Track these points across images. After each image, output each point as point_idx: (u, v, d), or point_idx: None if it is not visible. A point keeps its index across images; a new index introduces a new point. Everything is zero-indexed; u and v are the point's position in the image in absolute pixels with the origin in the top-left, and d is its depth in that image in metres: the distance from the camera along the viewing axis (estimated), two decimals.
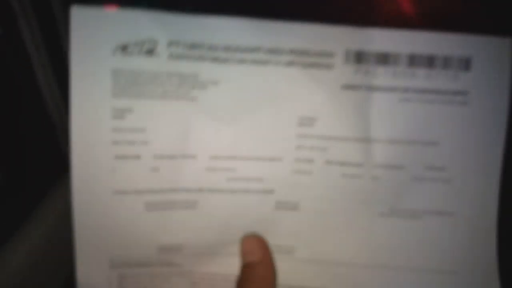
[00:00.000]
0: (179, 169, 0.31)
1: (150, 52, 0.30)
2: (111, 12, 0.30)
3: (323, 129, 0.31)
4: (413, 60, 0.31)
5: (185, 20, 0.30)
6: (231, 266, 0.32)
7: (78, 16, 0.29)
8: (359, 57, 0.31)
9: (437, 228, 0.32)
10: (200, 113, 0.31)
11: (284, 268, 0.33)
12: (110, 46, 0.29)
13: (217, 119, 0.31)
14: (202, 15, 0.30)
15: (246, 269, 0.32)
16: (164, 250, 0.33)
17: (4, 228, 0.36)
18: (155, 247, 0.33)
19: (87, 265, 0.33)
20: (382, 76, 0.31)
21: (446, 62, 0.31)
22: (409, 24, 0.32)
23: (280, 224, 0.33)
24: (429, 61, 0.31)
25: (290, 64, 0.31)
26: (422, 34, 0.31)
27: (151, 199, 0.32)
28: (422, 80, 0.31)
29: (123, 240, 0.33)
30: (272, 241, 0.33)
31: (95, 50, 0.29)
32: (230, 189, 0.32)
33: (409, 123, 0.31)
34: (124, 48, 0.29)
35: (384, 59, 0.31)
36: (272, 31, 0.30)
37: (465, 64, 0.31)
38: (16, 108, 0.39)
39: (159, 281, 0.34)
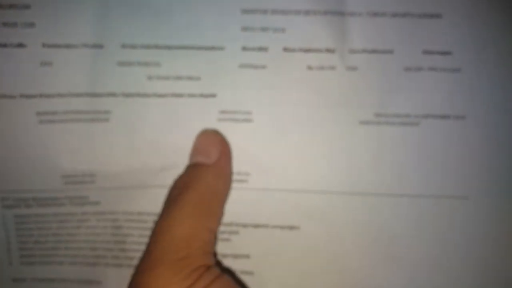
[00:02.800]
0: (79, 64, 0.22)
1: None
2: None
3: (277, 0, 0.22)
4: None
5: None
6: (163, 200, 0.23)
7: None
8: None
9: (441, 138, 0.23)
10: None
11: (235, 200, 0.24)
12: None
13: None
14: None
15: (191, 170, 0.23)
16: (72, 180, 0.24)
17: None
18: (58, 176, 0.24)
19: None
20: None
21: None
22: None
23: None
24: None
25: None
26: None
27: (45, 107, 0.23)
28: None
29: (14, 168, 0.24)
30: None
31: None
32: (154, 93, 0.23)
33: None
34: None
35: None
36: None
37: None
38: None
39: (71, 224, 0.26)
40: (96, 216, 0.26)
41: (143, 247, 0.25)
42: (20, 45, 0.22)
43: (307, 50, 0.23)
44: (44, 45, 0.22)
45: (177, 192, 0.22)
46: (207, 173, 0.22)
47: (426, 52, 0.22)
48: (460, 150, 0.23)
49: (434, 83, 0.23)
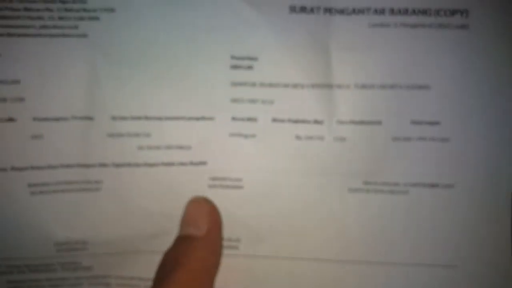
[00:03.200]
0: (70, 136, 0.22)
1: None
2: None
3: (266, 72, 0.22)
4: None
5: None
6: (155, 265, 0.23)
7: None
8: None
9: (430, 206, 0.23)
10: (93, 56, 0.22)
11: (225, 267, 0.24)
12: None
13: (117, 63, 0.22)
14: None
15: (180, 243, 0.22)
16: (64, 247, 0.24)
17: None
18: (51, 244, 0.24)
19: None
20: None
21: None
22: None
23: None
24: None
25: None
26: None
27: (36, 178, 0.23)
28: None
29: (8, 237, 0.24)
30: None
31: None
32: (144, 162, 0.23)
33: (386, 58, 0.22)
34: None
35: None
36: None
37: None
38: None
39: None
40: (89, 281, 0.26)
41: None
42: (10, 120, 0.22)
43: (296, 121, 0.23)
44: (34, 118, 0.22)
45: (167, 269, 0.21)
46: (197, 247, 0.22)
47: (415, 122, 0.22)
48: (448, 218, 0.23)
49: (423, 152, 0.23)
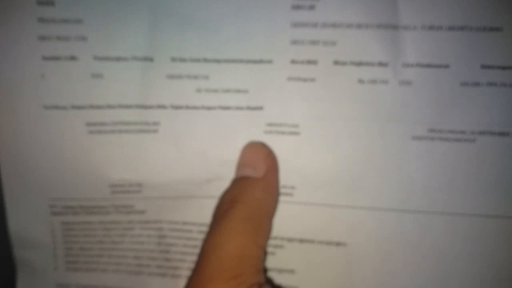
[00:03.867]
0: (129, 77, 0.22)
1: None
2: None
3: (328, 12, 0.21)
4: None
5: None
6: (211, 212, 0.23)
7: None
8: None
9: (498, 156, 0.22)
10: None
11: (280, 214, 0.24)
12: None
13: (177, 4, 0.22)
14: None
15: (238, 183, 0.23)
16: (119, 189, 0.24)
17: None
18: (106, 186, 0.24)
19: (21, 212, 0.25)
20: None
21: None
22: None
23: None
24: None
25: None
26: None
27: (95, 117, 0.23)
28: None
29: (63, 177, 0.24)
30: None
31: None
32: (202, 105, 0.23)
33: None
34: None
35: None
36: None
37: None
38: None
39: (116, 232, 0.26)
40: (141, 225, 0.26)
41: (187, 257, 0.25)
42: (72, 58, 0.22)
43: (359, 64, 0.22)
44: (95, 57, 0.22)
45: (226, 207, 0.21)
46: (255, 187, 0.22)
47: (485, 66, 0.21)
48: None
49: (493, 98, 0.22)
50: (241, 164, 0.23)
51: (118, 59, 0.22)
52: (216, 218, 0.22)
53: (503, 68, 0.21)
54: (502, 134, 0.22)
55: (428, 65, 0.22)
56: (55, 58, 0.22)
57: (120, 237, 0.26)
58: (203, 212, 0.24)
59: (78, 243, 0.26)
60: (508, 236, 0.23)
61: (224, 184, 0.23)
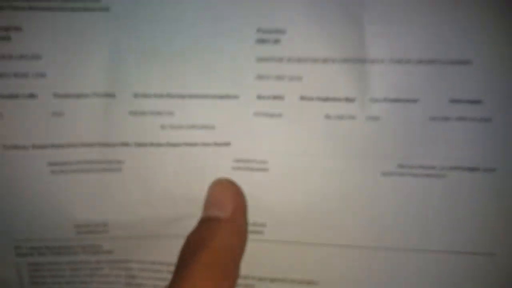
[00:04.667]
0: (91, 114, 0.22)
1: None
2: None
3: (294, 46, 0.21)
4: None
5: None
6: (177, 250, 0.22)
7: None
8: None
9: (469, 191, 0.22)
10: (116, 30, 0.21)
11: (251, 252, 0.23)
12: None
13: (140, 39, 0.21)
14: None
15: (205, 225, 0.22)
16: (84, 230, 0.24)
17: None
18: (71, 226, 0.24)
19: None
20: None
21: None
22: None
23: None
24: None
25: None
26: None
27: (57, 157, 0.23)
28: None
29: (27, 217, 0.24)
30: None
31: None
32: (167, 142, 0.22)
33: (423, 32, 0.20)
34: None
35: None
36: None
37: None
38: None
39: (84, 272, 0.25)
40: (109, 265, 0.25)
41: None
42: (31, 96, 0.22)
43: (325, 99, 0.21)
44: (55, 95, 0.22)
45: (190, 252, 0.21)
46: (221, 229, 0.21)
47: (454, 100, 0.21)
48: (488, 205, 0.22)
49: (463, 133, 0.21)
50: (207, 204, 0.22)
51: (79, 96, 0.22)
52: (180, 264, 0.21)
53: (472, 102, 0.21)
54: (472, 169, 0.22)
55: (396, 100, 0.21)
56: (13, 96, 0.22)
57: (89, 277, 0.25)
58: (172, 252, 0.23)
59: (46, 284, 0.26)
60: (481, 272, 0.22)
61: (192, 222, 0.23)
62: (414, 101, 0.21)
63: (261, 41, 0.21)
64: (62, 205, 0.24)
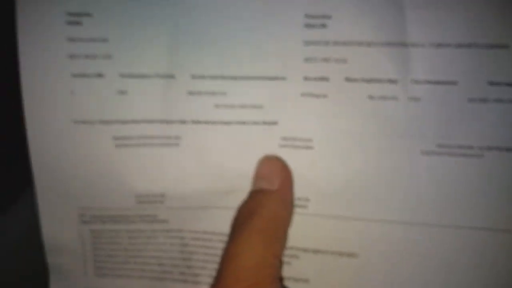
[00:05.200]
0: (152, 93, 0.24)
1: None
2: None
3: (340, 31, 0.22)
4: None
5: None
6: (229, 222, 0.24)
7: None
8: None
9: (506, 171, 0.23)
10: (176, 16, 0.24)
11: (295, 225, 0.25)
12: None
13: (197, 24, 0.23)
14: None
15: (255, 196, 0.24)
16: (143, 200, 0.26)
17: None
18: (131, 196, 0.26)
19: (53, 220, 0.27)
20: None
21: None
22: None
23: None
24: None
25: None
26: None
27: (121, 132, 0.25)
28: None
29: (91, 187, 0.26)
30: None
31: None
32: (220, 120, 0.24)
33: (463, 17, 0.22)
34: None
35: None
36: None
37: None
38: None
39: (141, 240, 0.27)
40: (164, 234, 0.27)
41: (208, 265, 0.27)
42: (99, 75, 0.24)
43: (369, 81, 0.23)
44: (121, 75, 0.24)
45: (243, 220, 0.22)
46: (270, 200, 0.23)
47: (492, 83, 0.22)
48: None
49: (500, 115, 0.22)
50: (257, 177, 0.24)
51: (142, 76, 0.24)
52: (234, 229, 0.23)
53: (510, 84, 0.22)
54: (509, 149, 0.22)
55: (437, 82, 0.22)
56: (84, 75, 0.24)
57: (144, 245, 0.27)
58: (222, 222, 0.25)
59: (105, 250, 0.28)
60: None
61: (241, 195, 0.24)
62: (454, 83, 0.22)
63: (309, 25, 0.23)
64: (124, 176, 0.26)
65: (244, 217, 0.23)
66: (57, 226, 0.27)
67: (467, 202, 0.23)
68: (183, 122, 0.24)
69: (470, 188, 0.23)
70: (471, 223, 0.23)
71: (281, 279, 0.25)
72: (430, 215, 0.24)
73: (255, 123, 0.24)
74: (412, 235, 0.24)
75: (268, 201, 0.23)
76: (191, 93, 0.24)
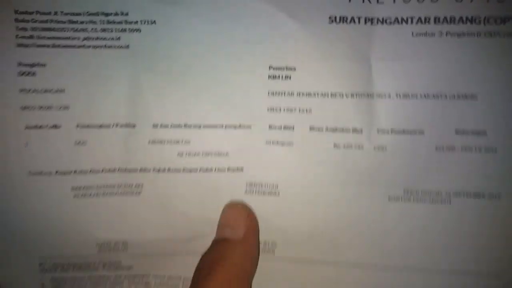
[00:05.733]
0: (112, 142, 0.23)
1: None
2: None
3: (304, 82, 0.22)
4: None
5: None
6: (193, 266, 0.23)
7: None
8: None
9: (474, 217, 0.23)
10: (135, 66, 0.23)
11: (262, 271, 0.24)
12: None
13: (158, 74, 0.22)
14: None
15: (218, 245, 0.23)
16: (105, 248, 0.25)
17: None
18: (93, 245, 0.25)
19: (12, 269, 0.26)
20: (388, 3, 0.21)
21: None
22: None
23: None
24: None
25: None
26: None
27: (80, 182, 0.24)
28: (448, 5, 0.20)
29: (52, 237, 0.25)
30: None
31: None
32: (184, 168, 0.23)
33: (430, 68, 0.21)
34: None
35: None
36: None
37: None
38: None
39: (104, 287, 0.26)
40: (129, 279, 0.26)
41: None
42: (55, 126, 0.23)
43: (334, 130, 0.22)
44: (78, 125, 0.23)
45: (206, 271, 0.22)
46: (234, 250, 0.22)
47: (459, 131, 0.22)
48: (494, 230, 0.23)
49: (468, 163, 0.22)
50: (221, 225, 0.24)
51: (101, 126, 0.23)
52: (196, 281, 0.22)
53: (478, 133, 0.22)
54: (477, 195, 0.22)
55: (403, 131, 0.22)
56: (38, 127, 0.23)
57: None
58: (188, 268, 0.25)
59: None
60: None
61: (207, 241, 0.24)
62: (421, 132, 0.22)
63: (273, 77, 0.22)
64: (84, 226, 0.25)
65: (206, 269, 0.22)
66: (15, 275, 0.26)
67: (435, 246, 0.23)
68: (144, 170, 0.24)
69: (438, 233, 0.23)
70: (440, 266, 0.23)
71: None
72: (399, 258, 0.24)
73: (220, 170, 0.24)
74: (381, 279, 0.24)
75: (232, 252, 0.22)
76: (152, 141, 0.23)
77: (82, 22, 0.22)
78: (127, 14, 0.22)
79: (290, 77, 0.22)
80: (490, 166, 0.22)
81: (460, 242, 0.23)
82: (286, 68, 0.22)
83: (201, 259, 0.23)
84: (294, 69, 0.22)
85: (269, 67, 0.22)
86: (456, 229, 0.23)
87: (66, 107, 0.23)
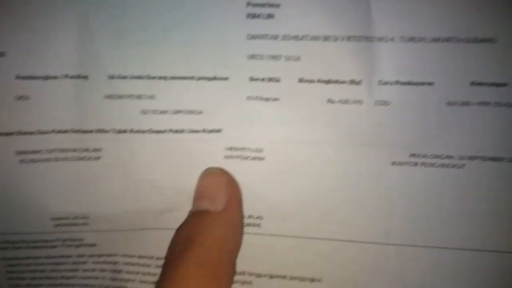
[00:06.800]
0: (61, 97, 0.20)
1: None
2: None
3: (290, 22, 0.19)
4: None
5: None
6: (166, 244, 0.20)
7: None
8: None
9: (490, 184, 0.20)
10: (84, 7, 0.19)
11: (247, 246, 0.21)
12: None
13: (113, 15, 0.19)
14: None
15: (195, 219, 0.20)
16: (63, 222, 0.22)
17: None
18: (47, 219, 0.22)
19: None
20: None
21: None
22: None
23: None
24: None
25: None
26: None
27: (25, 145, 0.21)
28: None
29: (1, 210, 0.21)
30: None
31: None
32: (150, 128, 0.20)
33: (441, 5, 0.18)
34: None
35: None
36: None
37: None
38: None
39: (66, 267, 0.23)
40: (93, 259, 0.23)
41: None
42: None
43: (328, 82, 0.19)
44: (17, 77, 0.19)
45: (179, 249, 0.18)
46: (213, 224, 0.19)
47: (475, 83, 0.19)
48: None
49: (484, 120, 0.19)
50: (197, 196, 0.20)
51: (46, 77, 0.20)
52: (168, 262, 0.19)
53: (497, 85, 0.19)
54: (495, 159, 0.20)
55: (409, 83, 0.19)
56: None
57: (71, 272, 0.24)
58: (160, 245, 0.22)
59: (24, 279, 0.24)
60: (496, 271, 0.21)
61: (181, 215, 0.21)
62: (430, 84, 0.19)
63: (252, 16, 0.19)
64: (35, 196, 0.22)
65: (180, 246, 0.19)
66: None
67: (445, 219, 0.21)
68: (102, 131, 0.20)
69: (448, 204, 0.20)
70: (450, 243, 0.21)
71: None
72: (404, 235, 0.21)
73: (194, 131, 0.20)
74: (384, 256, 0.21)
75: (211, 226, 0.19)
76: (110, 96, 0.20)
77: None
78: None
79: (273, 16, 0.19)
80: (510, 124, 0.19)
81: (474, 215, 0.20)
82: (268, 4, 0.18)
83: (175, 234, 0.20)
84: (278, 5, 0.19)
85: (247, 3, 0.19)
86: (470, 198, 0.20)
87: (1, 54, 0.19)
